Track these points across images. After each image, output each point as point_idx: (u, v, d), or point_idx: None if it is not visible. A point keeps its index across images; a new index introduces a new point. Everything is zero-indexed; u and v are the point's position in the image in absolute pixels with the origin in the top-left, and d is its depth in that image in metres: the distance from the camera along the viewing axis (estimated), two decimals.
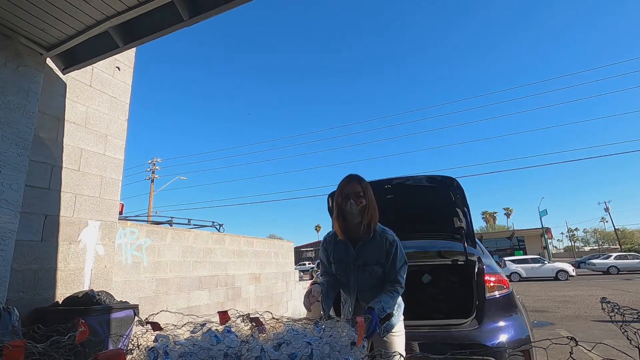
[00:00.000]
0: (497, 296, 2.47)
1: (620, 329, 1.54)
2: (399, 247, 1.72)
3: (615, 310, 1.64)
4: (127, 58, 3.99)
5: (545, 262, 19.18)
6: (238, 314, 1.33)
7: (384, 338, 1.74)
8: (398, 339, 1.75)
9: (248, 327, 1.30)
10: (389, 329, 1.75)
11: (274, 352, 1.11)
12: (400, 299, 1.77)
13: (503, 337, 2.23)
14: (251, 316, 1.29)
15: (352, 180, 1.76)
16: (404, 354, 1.71)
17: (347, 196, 1.70)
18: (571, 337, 0.93)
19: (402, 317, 1.80)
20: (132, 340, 1.39)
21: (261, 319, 1.27)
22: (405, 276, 1.72)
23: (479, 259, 2.73)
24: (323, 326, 1.21)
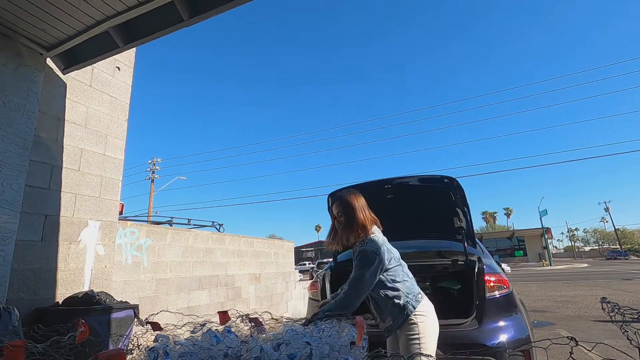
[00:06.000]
0: (497, 296, 2.47)
1: (620, 329, 1.54)
2: (360, 257, 1.77)
3: (615, 310, 1.64)
4: (127, 58, 3.99)
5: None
6: (238, 314, 1.33)
7: (399, 340, 1.77)
8: (412, 344, 1.70)
9: (248, 328, 1.30)
10: (390, 330, 1.77)
11: (273, 352, 1.11)
12: (405, 302, 1.74)
13: (503, 337, 2.23)
14: (250, 316, 1.28)
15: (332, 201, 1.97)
16: (430, 353, 1.66)
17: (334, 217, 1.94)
18: (571, 337, 0.93)
19: (415, 321, 1.72)
20: (132, 340, 1.39)
21: (260, 319, 1.27)
22: (360, 281, 1.73)
23: (479, 259, 2.72)
24: (322, 326, 1.21)
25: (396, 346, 1.84)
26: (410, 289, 1.81)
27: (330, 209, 1.99)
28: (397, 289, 1.77)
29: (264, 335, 1.24)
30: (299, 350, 1.09)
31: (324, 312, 1.65)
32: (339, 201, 1.89)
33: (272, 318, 1.27)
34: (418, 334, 1.71)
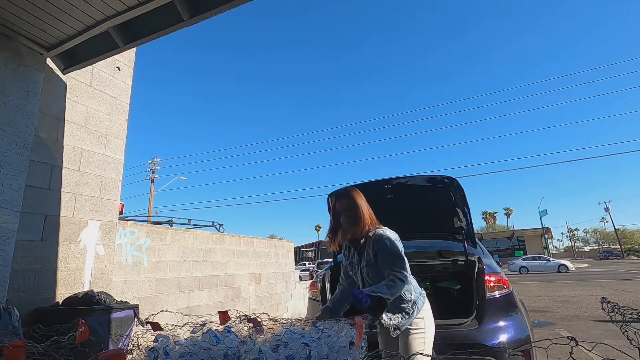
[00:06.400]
0: (497, 296, 2.47)
1: (620, 329, 1.54)
2: (386, 244, 1.71)
3: (615, 310, 1.63)
4: (127, 58, 3.99)
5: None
6: (238, 314, 1.33)
7: (398, 336, 1.75)
8: (416, 338, 1.71)
9: (247, 328, 1.29)
10: (400, 326, 1.73)
11: (272, 353, 1.11)
12: (416, 297, 1.76)
13: (503, 337, 2.23)
14: (250, 317, 1.28)
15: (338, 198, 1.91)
16: (426, 352, 1.67)
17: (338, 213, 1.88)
18: (571, 337, 0.93)
19: (422, 316, 1.75)
20: (132, 340, 1.39)
21: (259, 320, 1.27)
22: (403, 269, 1.66)
23: (479, 259, 2.73)
24: (322, 327, 1.21)
25: (391, 343, 1.82)
26: (417, 284, 1.84)
27: (331, 208, 1.98)
28: (409, 282, 1.74)
29: (262, 336, 1.24)
30: (297, 351, 1.08)
31: (372, 291, 1.57)
32: (344, 196, 1.87)
33: (270, 319, 1.27)
34: (423, 328, 1.73)
